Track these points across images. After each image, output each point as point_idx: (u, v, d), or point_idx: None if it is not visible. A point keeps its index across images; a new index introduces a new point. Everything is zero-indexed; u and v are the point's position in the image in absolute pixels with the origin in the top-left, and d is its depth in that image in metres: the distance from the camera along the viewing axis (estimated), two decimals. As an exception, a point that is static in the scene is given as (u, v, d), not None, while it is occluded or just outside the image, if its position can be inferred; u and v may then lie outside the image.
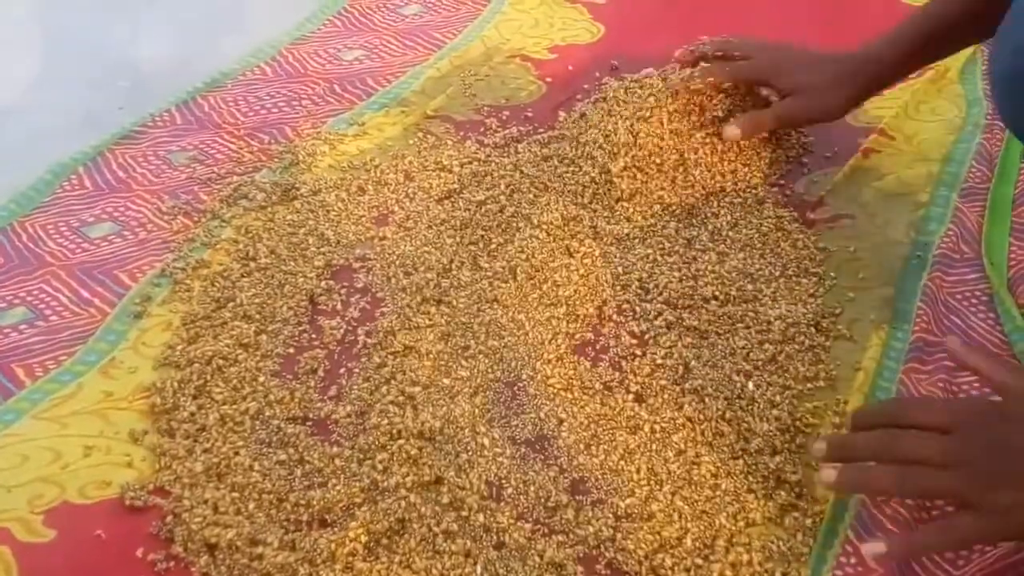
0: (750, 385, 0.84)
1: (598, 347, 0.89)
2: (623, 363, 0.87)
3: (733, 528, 0.74)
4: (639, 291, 0.94)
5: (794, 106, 1.02)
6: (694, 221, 1.02)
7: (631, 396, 0.84)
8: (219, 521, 0.75)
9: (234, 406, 0.84)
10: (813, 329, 0.90)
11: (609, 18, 1.42)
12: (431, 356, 0.88)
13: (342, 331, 0.92)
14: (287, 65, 1.33)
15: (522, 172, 1.09)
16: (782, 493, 0.76)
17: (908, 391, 0.83)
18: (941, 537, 0.67)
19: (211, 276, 0.97)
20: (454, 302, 0.93)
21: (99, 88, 1.30)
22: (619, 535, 0.73)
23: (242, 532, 0.74)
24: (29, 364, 0.89)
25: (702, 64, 1.05)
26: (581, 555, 0.72)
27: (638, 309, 0.92)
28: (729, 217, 1.02)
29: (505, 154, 1.12)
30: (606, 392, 0.85)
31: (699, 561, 0.72)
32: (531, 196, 1.06)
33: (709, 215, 1.02)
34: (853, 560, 0.71)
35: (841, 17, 1.38)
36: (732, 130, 1.02)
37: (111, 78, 1.32)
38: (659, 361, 0.86)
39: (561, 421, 0.82)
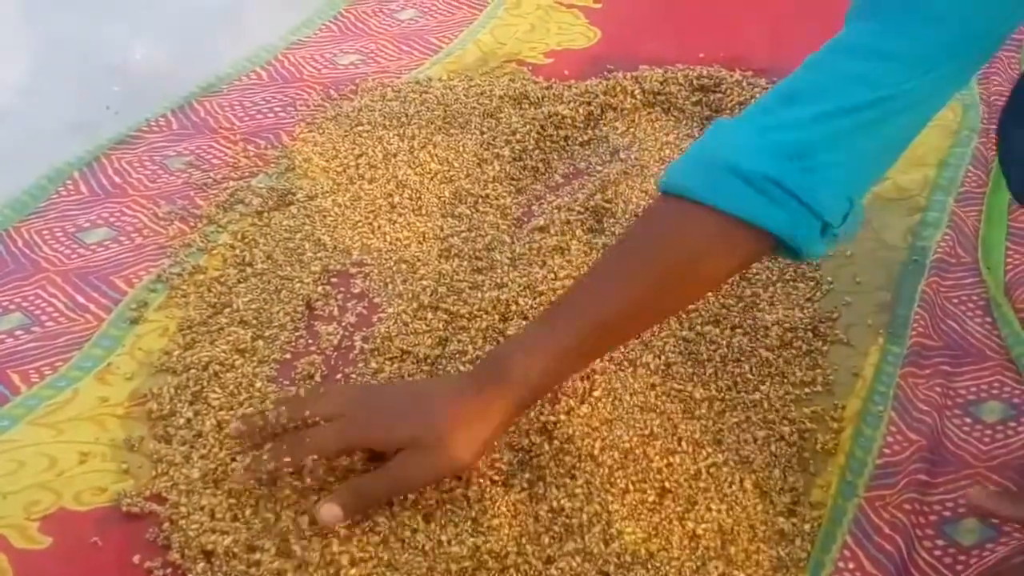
0: (747, 390, 0.84)
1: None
2: (620, 368, 0.87)
3: (731, 534, 0.74)
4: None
5: (410, 465, 0.72)
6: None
7: (632, 401, 0.84)
8: (216, 528, 0.74)
9: (231, 412, 0.84)
10: (810, 334, 0.90)
11: (605, 23, 1.42)
12: (428, 362, 0.87)
13: (339, 336, 0.92)
14: (283, 70, 1.33)
15: (518, 177, 1.09)
16: (781, 498, 0.76)
17: (906, 396, 0.83)
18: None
19: (207, 282, 0.97)
20: (451, 308, 0.93)
21: (94, 93, 1.30)
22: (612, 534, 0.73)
23: (239, 539, 0.73)
24: (24, 370, 0.88)
25: (269, 445, 0.76)
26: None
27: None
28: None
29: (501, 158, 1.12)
30: (604, 396, 0.84)
31: (696, 565, 0.72)
32: (527, 200, 1.07)
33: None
34: (851, 565, 0.71)
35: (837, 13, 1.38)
36: (330, 511, 0.71)
37: (106, 83, 1.32)
38: (653, 366, 0.86)
39: (554, 426, 0.81)
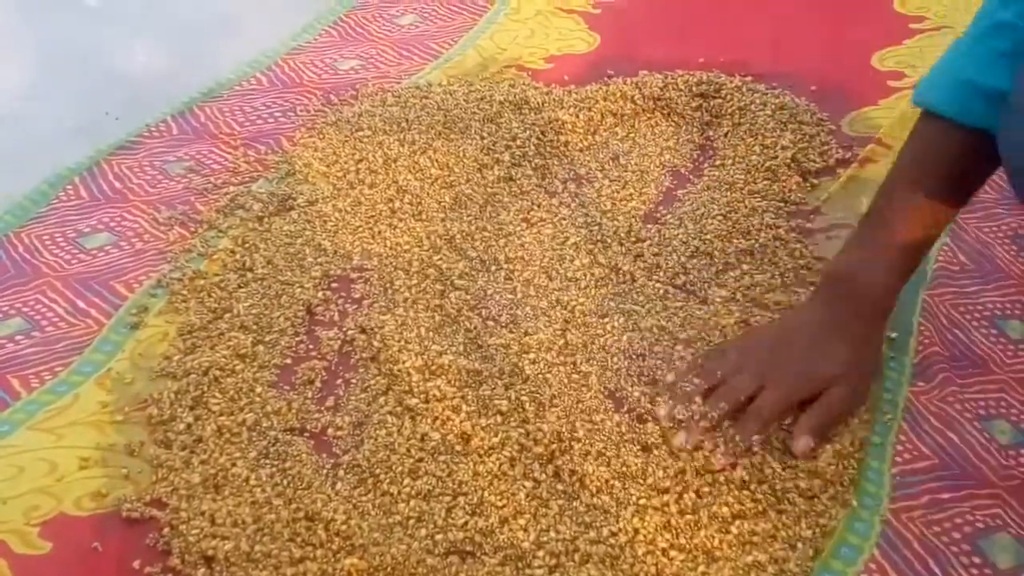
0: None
1: (596, 353, 0.89)
2: (620, 374, 0.87)
3: (733, 538, 0.74)
4: (637, 289, 0.94)
5: (839, 399, 0.82)
6: (691, 230, 1.02)
7: (633, 412, 0.83)
8: (216, 533, 0.74)
9: (231, 417, 0.84)
10: None
11: (605, 28, 1.42)
12: (431, 369, 0.87)
13: (339, 342, 0.92)
14: (283, 75, 1.33)
15: (517, 180, 1.09)
16: (785, 504, 0.76)
17: (917, 409, 0.83)
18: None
19: (208, 287, 0.97)
20: (452, 312, 0.93)
21: (95, 98, 1.30)
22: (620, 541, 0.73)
23: (239, 544, 0.73)
24: (25, 375, 0.88)
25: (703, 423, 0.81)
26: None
27: (636, 308, 0.92)
28: (726, 226, 1.02)
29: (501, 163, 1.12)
30: (608, 400, 0.84)
31: (695, 568, 0.72)
32: (528, 204, 1.07)
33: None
34: None
35: (837, 19, 1.38)
36: (807, 443, 0.79)
37: (107, 88, 1.32)
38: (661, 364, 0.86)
39: (563, 430, 0.81)
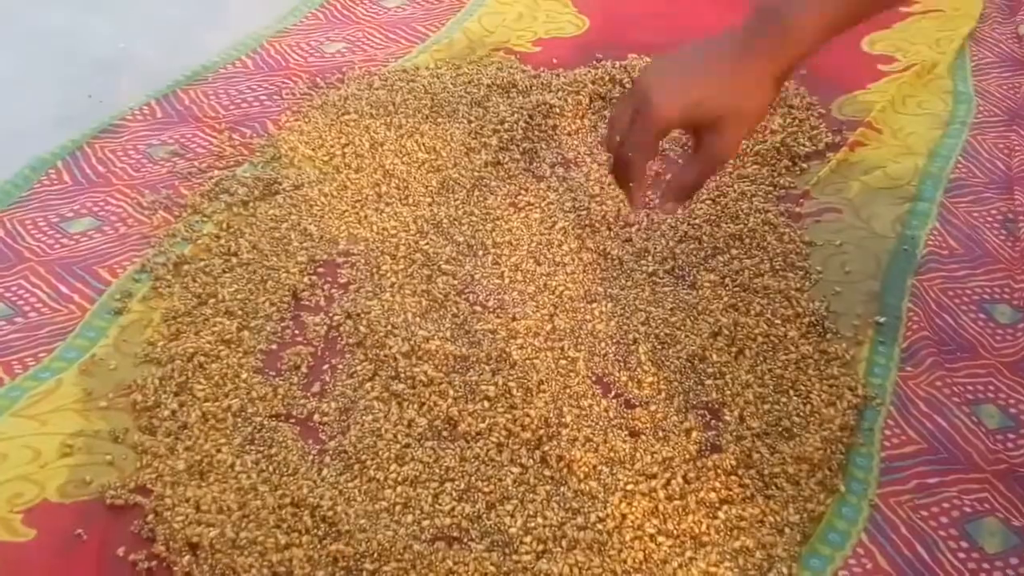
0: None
1: (584, 338, 0.88)
2: (608, 360, 0.86)
3: (721, 523, 0.73)
4: (625, 274, 0.94)
5: (720, 142, 0.77)
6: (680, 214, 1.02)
7: (621, 398, 0.83)
8: (201, 520, 0.74)
9: (216, 403, 0.83)
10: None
11: (593, 11, 1.41)
12: (417, 353, 0.87)
13: (326, 327, 0.91)
14: (269, 58, 1.32)
15: (505, 164, 1.09)
16: (772, 489, 0.76)
17: (905, 394, 0.83)
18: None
19: (192, 272, 0.96)
20: (438, 296, 0.93)
21: (77, 81, 1.28)
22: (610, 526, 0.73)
23: (225, 531, 0.73)
24: (7, 361, 0.87)
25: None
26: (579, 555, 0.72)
27: (624, 293, 0.91)
28: (715, 210, 1.02)
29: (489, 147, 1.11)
30: (596, 386, 0.84)
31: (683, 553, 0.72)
32: (515, 188, 1.06)
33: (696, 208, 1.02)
34: (867, 564, 0.71)
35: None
36: (671, 208, 0.83)
37: (90, 71, 1.31)
38: (650, 349, 0.86)
39: (551, 415, 0.81)
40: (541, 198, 1.05)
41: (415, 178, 1.07)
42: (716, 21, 1.33)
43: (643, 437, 0.79)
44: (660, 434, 0.80)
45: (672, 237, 0.99)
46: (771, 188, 1.05)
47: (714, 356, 0.86)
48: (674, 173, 0.80)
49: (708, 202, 1.03)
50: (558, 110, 1.17)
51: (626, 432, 0.80)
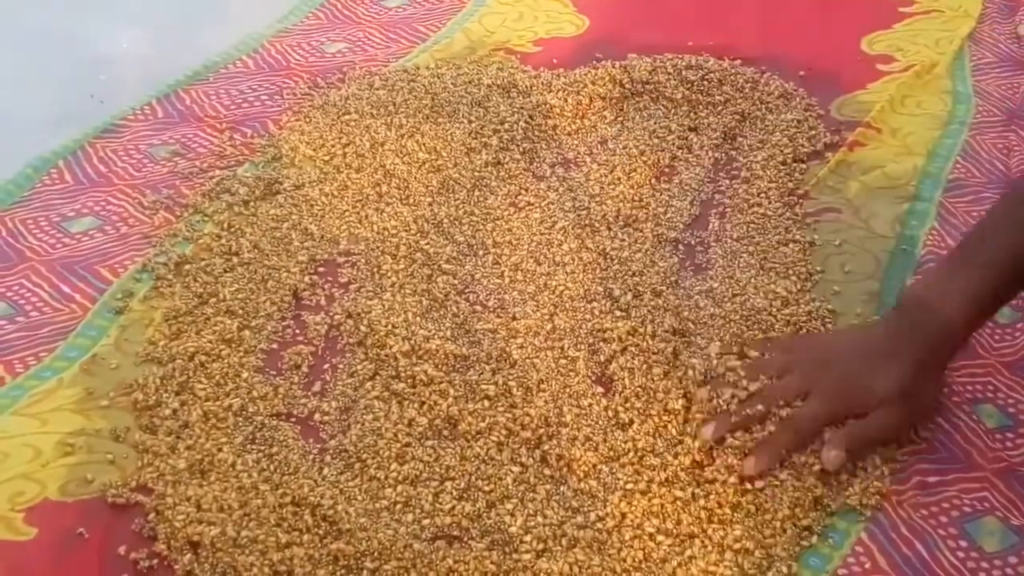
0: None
1: (584, 337, 0.89)
2: (613, 359, 0.86)
3: (720, 522, 0.74)
4: (623, 285, 0.94)
5: (891, 418, 0.78)
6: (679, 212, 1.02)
7: (621, 395, 0.83)
8: (202, 519, 0.74)
9: (217, 402, 0.83)
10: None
11: (593, 11, 1.41)
12: (418, 353, 0.87)
13: (326, 326, 0.91)
14: (269, 58, 1.32)
15: (505, 164, 1.09)
16: (772, 487, 0.76)
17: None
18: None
19: (193, 271, 0.96)
20: (439, 296, 0.93)
21: (79, 82, 1.29)
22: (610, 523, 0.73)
23: (226, 530, 0.73)
24: (9, 360, 0.88)
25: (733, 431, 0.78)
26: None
27: (623, 300, 0.92)
28: (717, 211, 1.02)
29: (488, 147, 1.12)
30: (596, 384, 0.84)
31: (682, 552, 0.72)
32: (516, 188, 1.06)
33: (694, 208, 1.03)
34: (866, 563, 0.71)
35: (827, 3, 1.38)
36: (838, 457, 0.76)
37: (91, 71, 1.31)
38: (649, 348, 0.86)
39: (551, 414, 0.81)
40: (541, 198, 1.05)
41: (416, 178, 1.08)
42: (716, 21, 1.35)
43: (642, 436, 0.79)
44: (660, 434, 0.80)
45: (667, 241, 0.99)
46: (770, 187, 1.05)
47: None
48: (850, 429, 0.77)
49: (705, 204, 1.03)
50: (558, 110, 1.18)
51: (625, 431, 0.80)
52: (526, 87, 1.21)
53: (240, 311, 0.92)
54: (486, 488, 0.76)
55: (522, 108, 1.17)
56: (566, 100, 1.18)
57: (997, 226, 0.81)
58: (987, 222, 0.83)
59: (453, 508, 0.75)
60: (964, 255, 0.82)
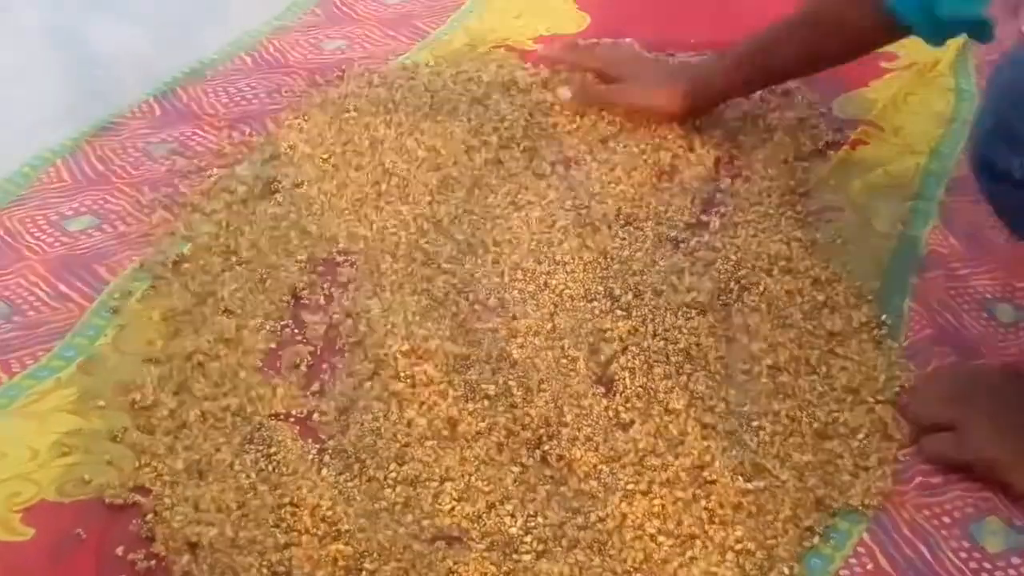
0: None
1: (585, 336, 0.88)
2: (614, 359, 0.86)
3: (721, 522, 0.73)
4: (624, 285, 0.93)
5: (624, 89, 1.13)
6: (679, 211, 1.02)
7: (622, 395, 0.83)
8: (200, 519, 0.74)
9: (215, 402, 0.83)
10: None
11: (594, 8, 1.41)
12: (417, 352, 0.87)
13: (325, 326, 0.91)
14: (268, 55, 1.32)
15: (505, 163, 1.08)
16: (773, 488, 0.75)
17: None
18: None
19: (191, 271, 0.96)
20: (438, 295, 0.92)
21: (76, 80, 1.28)
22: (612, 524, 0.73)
23: (224, 530, 0.73)
24: (6, 359, 0.87)
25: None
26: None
27: (623, 300, 0.91)
28: (718, 210, 1.01)
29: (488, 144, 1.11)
30: (597, 384, 0.84)
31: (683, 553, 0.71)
32: (516, 186, 1.06)
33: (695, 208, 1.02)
34: (867, 564, 0.71)
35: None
36: (563, 92, 1.15)
37: (88, 69, 1.31)
38: (650, 347, 0.86)
39: (551, 414, 0.81)
40: (541, 196, 1.05)
41: (415, 176, 1.07)
42: (715, 19, 1.34)
43: (643, 437, 0.79)
44: (661, 435, 0.79)
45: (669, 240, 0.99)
46: (772, 186, 1.05)
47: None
48: (589, 83, 1.15)
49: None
50: (558, 108, 1.17)
51: (626, 431, 0.80)
52: (526, 85, 1.20)
53: (238, 311, 0.92)
54: (486, 489, 0.76)
55: (522, 106, 1.16)
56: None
57: (771, 35, 1.06)
58: (768, 30, 1.07)
59: (453, 509, 0.75)
60: (738, 51, 1.08)
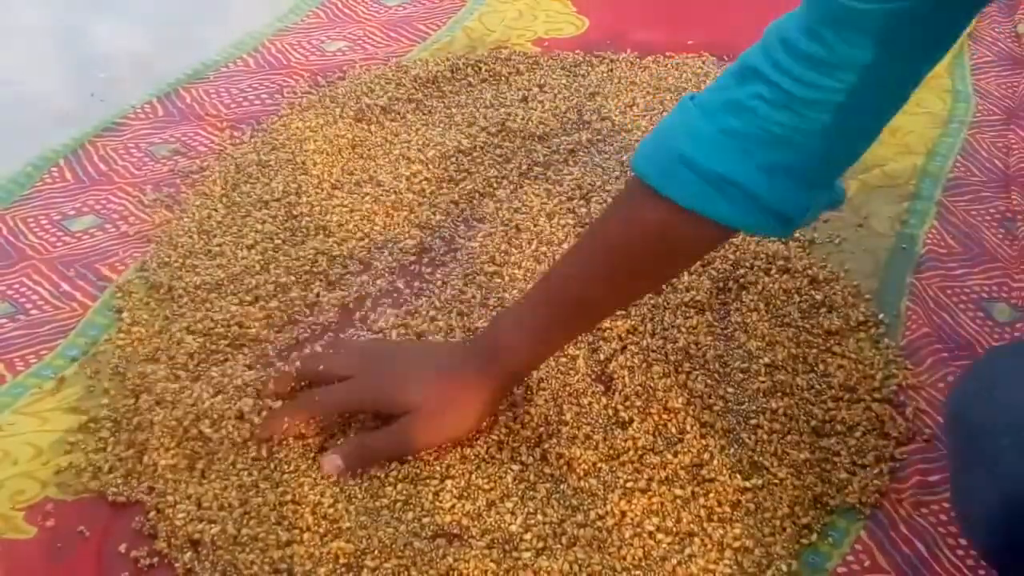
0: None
1: (584, 336, 0.88)
2: (613, 357, 0.87)
3: (720, 520, 0.74)
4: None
5: (411, 430, 0.77)
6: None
7: (621, 394, 0.83)
8: (203, 516, 0.74)
9: (218, 399, 0.83)
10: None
11: (593, 11, 1.41)
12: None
13: (328, 323, 0.91)
14: (270, 56, 1.32)
15: (505, 162, 1.09)
16: (772, 486, 0.76)
17: (907, 395, 0.83)
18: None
19: (193, 270, 0.96)
20: (438, 291, 0.93)
21: (79, 80, 1.29)
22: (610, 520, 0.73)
23: (226, 528, 0.73)
24: (9, 358, 0.88)
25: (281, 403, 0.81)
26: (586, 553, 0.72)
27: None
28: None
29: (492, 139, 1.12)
30: (597, 382, 0.84)
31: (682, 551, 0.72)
32: (515, 185, 1.06)
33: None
34: (865, 561, 0.72)
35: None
36: (332, 461, 0.77)
37: (91, 70, 1.31)
38: (649, 346, 0.86)
39: (551, 413, 0.81)
40: (541, 195, 1.05)
41: (415, 176, 1.08)
42: (716, 20, 1.35)
43: (642, 435, 0.79)
44: (660, 433, 0.80)
45: None
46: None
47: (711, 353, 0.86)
48: (361, 436, 0.79)
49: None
50: (561, 110, 1.17)
51: (625, 430, 0.80)
52: (526, 84, 1.21)
53: (239, 310, 0.92)
54: (486, 487, 0.76)
55: (522, 105, 1.16)
56: (567, 97, 1.18)
57: (574, 257, 0.76)
58: (569, 252, 0.77)
59: (453, 507, 0.75)
60: (539, 290, 0.78)
